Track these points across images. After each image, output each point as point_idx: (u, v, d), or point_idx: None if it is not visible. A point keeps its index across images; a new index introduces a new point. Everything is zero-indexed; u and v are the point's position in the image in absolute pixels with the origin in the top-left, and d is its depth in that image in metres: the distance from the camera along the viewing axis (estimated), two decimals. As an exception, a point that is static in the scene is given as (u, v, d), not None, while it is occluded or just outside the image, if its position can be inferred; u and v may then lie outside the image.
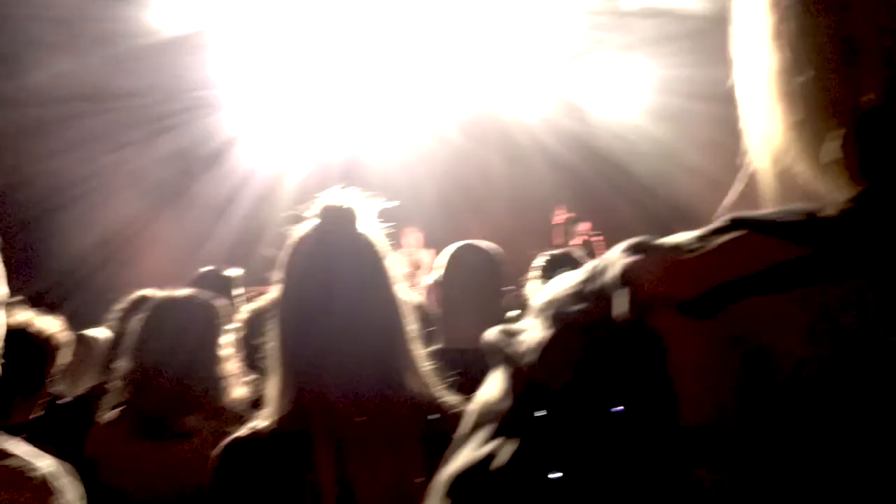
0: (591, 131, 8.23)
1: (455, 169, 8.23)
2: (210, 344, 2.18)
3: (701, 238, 0.52)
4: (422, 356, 1.43)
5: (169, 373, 2.10)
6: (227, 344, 2.24)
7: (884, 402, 0.45)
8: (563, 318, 0.53)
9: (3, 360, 1.32)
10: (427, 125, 8.11)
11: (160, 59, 6.93)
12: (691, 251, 0.52)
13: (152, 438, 2.07)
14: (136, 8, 6.46)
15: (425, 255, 7.58)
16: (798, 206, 0.53)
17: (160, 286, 2.67)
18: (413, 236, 7.74)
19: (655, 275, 0.51)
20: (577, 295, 0.54)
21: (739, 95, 0.60)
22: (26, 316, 2.17)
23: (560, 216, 8.07)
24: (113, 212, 7.28)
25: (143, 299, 2.57)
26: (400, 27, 7.05)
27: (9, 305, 1.33)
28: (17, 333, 2.05)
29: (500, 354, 0.56)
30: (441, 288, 2.43)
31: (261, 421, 1.39)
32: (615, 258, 0.53)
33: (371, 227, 1.46)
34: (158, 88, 7.15)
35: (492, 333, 0.57)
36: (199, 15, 6.78)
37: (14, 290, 2.21)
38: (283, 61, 7.38)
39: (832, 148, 0.53)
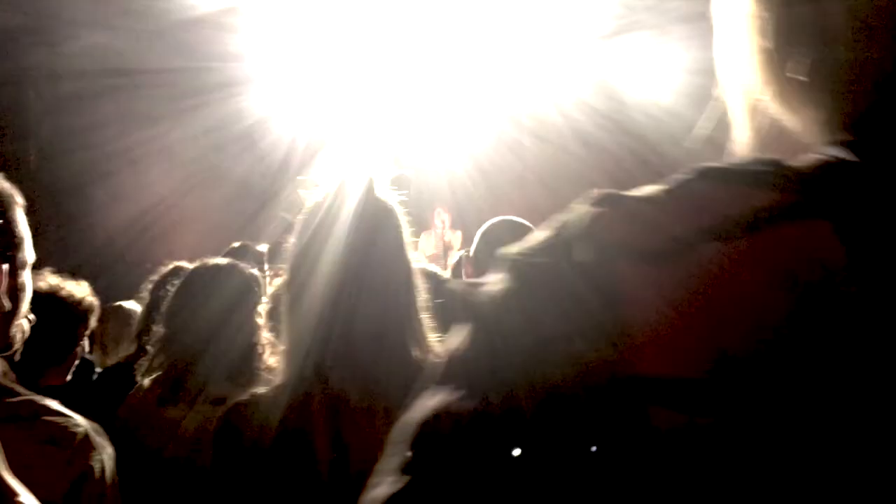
0: (626, 112, 8.13)
1: (488, 150, 8.19)
2: (246, 311, 2.18)
3: (667, 189, 0.53)
4: (430, 327, 1.42)
5: (204, 339, 2.11)
6: (262, 313, 2.24)
7: (843, 340, 0.45)
8: (528, 268, 0.54)
9: (33, 322, 1.34)
10: (460, 106, 8.07)
11: (195, 35, 6.94)
12: (656, 202, 0.52)
13: (186, 404, 2.08)
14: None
15: (456, 235, 7.56)
16: (764, 155, 0.54)
17: (193, 260, 2.69)
18: (444, 216, 7.72)
19: (619, 226, 0.52)
20: (544, 247, 0.54)
21: (716, 31, 0.62)
22: (55, 280, 2.19)
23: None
24: (147, 186, 7.34)
25: (177, 271, 2.59)
26: (434, 4, 7.01)
27: (38, 271, 1.35)
28: (47, 297, 2.07)
29: (465, 306, 0.56)
30: (472, 263, 2.41)
31: (263, 387, 1.39)
32: (582, 210, 0.54)
33: (383, 194, 1.44)
34: (193, 63, 7.17)
35: (457, 284, 0.57)
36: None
37: (50, 262, 2.24)
38: (318, 37, 7.37)
39: (795, 70, 0.54)
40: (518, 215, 2.56)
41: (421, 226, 7.58)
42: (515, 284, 0.53)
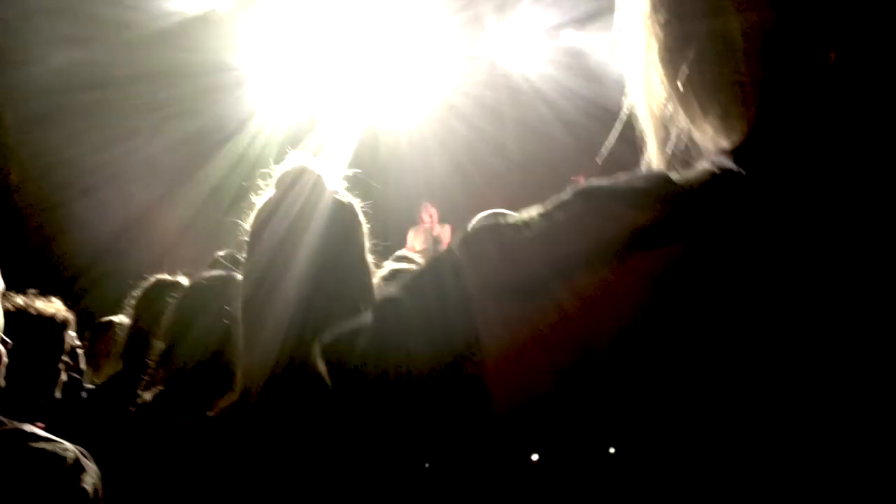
0: (607, 93, 8.11)
1: (469, 141, 8.17)
2: None
3: (545, 213, 0.53)
4: None
5: (205, 354, 2.08)
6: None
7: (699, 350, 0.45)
8: (390, 309, 0.53)
9: (9, 345, 1.33)
10: (440, 98, 8.05)
11: (171, 43, 6.90)
12: (531, 230, 0.52)
13: (188, 420, 2.06)
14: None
15: (445, 230, 7.55)
16: (646, 173, 0.55)
17: (178, 271, 2.67)
18: (430, 211, 7.70)
19: (486, 261, 0.51)
20: (412, 284, 0.54)
21: (622, 43, 0.64)
22: (24, 299, 2.15)
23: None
24: (129, 199, 7.30)
25: (159, 283, 2.56)
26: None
27: (7, 294, 1.33)
28: (18, 316, 2.03)
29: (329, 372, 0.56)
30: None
31: (221, 402, 1.35)
32: (454, 245, 0.53)
33: (336, 192, 1.37)
34: (171, 72, 7.13)
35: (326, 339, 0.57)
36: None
37: (33, 281, 2.20)
38: (294, 41, 7.34)
39: (682, 72, 0.55)
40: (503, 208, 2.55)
41: (403, 221, 7.58)
42: (374, 330, 0.53)
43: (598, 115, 8.15)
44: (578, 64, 8.17)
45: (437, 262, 0.54)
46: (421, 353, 0.50)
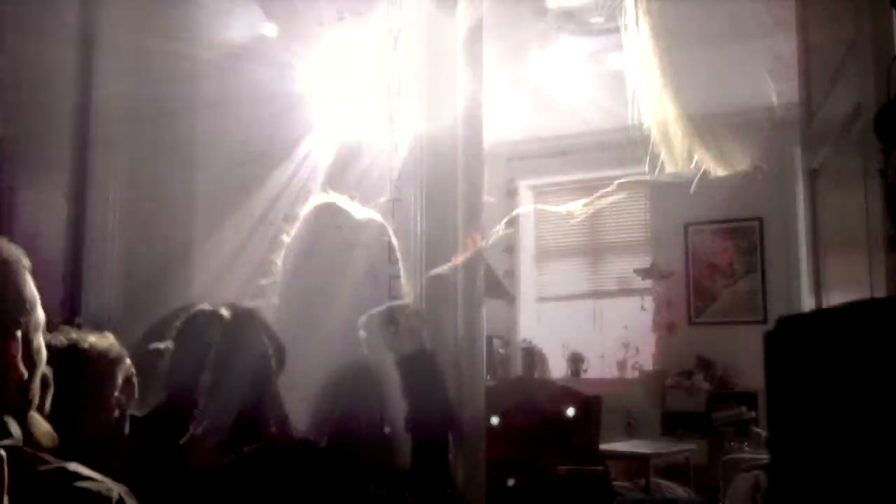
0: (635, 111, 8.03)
1: (511, 168, 8.14)
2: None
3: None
4: None
5: (246, 391, 2.07)
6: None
7: None
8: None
9: (54, 382, 1.33)
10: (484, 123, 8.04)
11: (220, 73, 6.99)
12: None
13: (239, 451, 2.05)
14: (200, 19, 6.54)
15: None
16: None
17: (223, 299, 2.67)
18: (475, 237, 7.67)
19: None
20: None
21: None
22: (77, 333, 2.12)
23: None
24: (175, 226, 7.37)
25: (200, 313, 2.56)
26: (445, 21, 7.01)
27: (60, 328, 1.34)
28: (69, 351, 2.00)
29: None
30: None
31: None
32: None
33: (358, 224, 1.35)
34: (218, 101, 7.20)
35: None
36: (262, 23, 6.83)
37: (80, 308, 2.21)
38: (340, 67, 7.37)
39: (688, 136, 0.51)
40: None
41: (447, 248, 7.56)
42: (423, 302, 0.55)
43: (629, 132, 8.07)
44: (608, 81, 8.12)
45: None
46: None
